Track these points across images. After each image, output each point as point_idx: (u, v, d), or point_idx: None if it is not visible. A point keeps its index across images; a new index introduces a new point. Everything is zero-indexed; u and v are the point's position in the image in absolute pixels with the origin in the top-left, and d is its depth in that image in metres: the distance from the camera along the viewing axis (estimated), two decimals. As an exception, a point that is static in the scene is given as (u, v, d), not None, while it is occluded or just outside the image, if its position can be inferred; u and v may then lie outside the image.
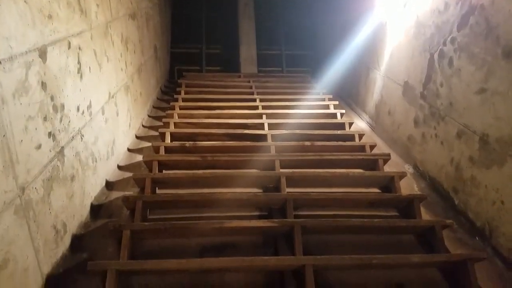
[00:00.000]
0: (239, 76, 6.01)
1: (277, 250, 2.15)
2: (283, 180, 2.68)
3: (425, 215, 2.50)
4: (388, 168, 3.10)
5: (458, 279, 1.95)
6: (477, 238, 2.29)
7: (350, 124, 4.02)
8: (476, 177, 2.36)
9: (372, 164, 3.10)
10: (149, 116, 4.22)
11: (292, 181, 2.73)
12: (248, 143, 3.41)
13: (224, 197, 2.52)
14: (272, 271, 2.00)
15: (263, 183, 2.80)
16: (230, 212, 2.47)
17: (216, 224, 2.17)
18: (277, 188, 2.71)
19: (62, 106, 2.08)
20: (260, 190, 2.75)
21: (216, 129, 3.64)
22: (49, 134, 1.91)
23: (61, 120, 2.06)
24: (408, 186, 2.92)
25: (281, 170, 2.86)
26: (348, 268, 1.99)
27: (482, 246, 2.23)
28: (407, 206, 2.49)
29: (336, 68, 5.35)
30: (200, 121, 3.84)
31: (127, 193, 2.58)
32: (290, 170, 2.85)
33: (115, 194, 2.60)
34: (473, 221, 2.36)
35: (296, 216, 2.35)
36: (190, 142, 3.31)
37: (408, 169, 3.20)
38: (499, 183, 2.16)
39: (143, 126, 3.90)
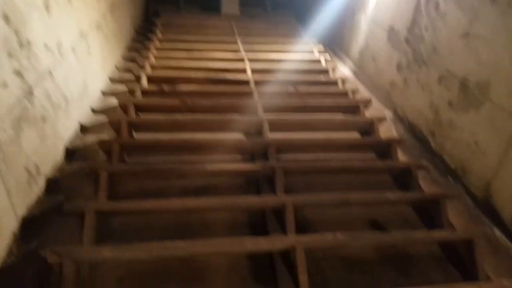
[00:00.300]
0: (220, 17, 5.74)
1: (259, 192, 2.17)
2: (266, 125, 2.65)
3: (403, 158, 2.55)
4: (369, 114, 3.11)
5: (431, 216, 2.03)
6: (450, 179, 2.36)
7: (334, 69, 3.96)
8: (454, 120, 2.39)
9: (354, 109, 3.10)
10: (123, 58, 4.03)
11: (275, 126, 2.71)
12: (229, 88, 3.32)
13: (206, 141, 2.49)
14: (254, 211, 2.03)
15: (246, 128, 2.76)
16: (212, 157, 2.44)
17: (199, 167, 2.16)
18: (259, 133, 2.68)
19: (29, 42, 1.94)
20: (242, 135, 2.72)
21: (196, 73, 3.52)
22: (16, 72, 1.79)
23: (28, 58, 1.93)
24: (388, 131, 2.95)
25: (264, 116, 2.82)
26: (327, 206, 2.04)
27: (454, 186, 2.31)
28: (385, 149, 2.53)
29: (322, 13, 5.16)
30: (178, 64, 3.70)
31: (102, 136, 2.51)
32: (273, 116, 2.82)
33: (90, 138, 2.52)
34: (447, 162, 2.43)
35: (278, 160, 2.36)
36: (168, 85, 3.19)
37: (389, 114, 3.22)
38: (474, 125, 2.20)
39: (117, 68, 3.73)
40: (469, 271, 1.74)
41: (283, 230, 1.82)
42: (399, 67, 3.14)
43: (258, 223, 1.96)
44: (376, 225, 2.03)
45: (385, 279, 1.72)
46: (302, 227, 1.92)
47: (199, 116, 2.81)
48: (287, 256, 1.68)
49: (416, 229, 2.03)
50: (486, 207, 2.08)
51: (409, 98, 2.97)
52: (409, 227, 2.05)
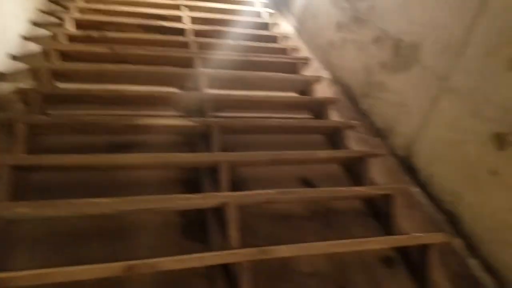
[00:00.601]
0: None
1: (194, 150, 2.12)
2: (203, 79, 2.56)
3: (336, 118, 2.63)
4: (307, 73, 3.12)
5: (356, 173, 2.15)
6: (379, 139, 2.50)
7: (276, 25, 3.88)
8: (384, 81, 2.48)
9: (292, 67, 3.09)
10: (47, -2, 3.61)
11: (212, 81, 2.62)
12: (165, 37, 3.13)
13: (137, 94, 2.35)
14: (188, 169, 2.00)
15: (181, 81, 2.64)
16: (143, 111, 2.33)
17: (129, 121, 2.04)
18: (196, 89, 2.59)
19: None
20: (177, 90, 2.61)
21: (128, 19, 3.26)
22: None
23: None
24: (324, 91, 3.00)
25: (201, 69, 2.71)
26: (261, 163, 2.06)
27: (381, 145, 2.45)
28: (320, 109, 2.58)
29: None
30: (109, 7, 3.39)
31: (21, 85, 2.26)
32: (211, 70, 2.72)
33: (7, 87, 2.27)
34: (376, 123, 2.55)
35: (215, 117, 2.30)
36: (97, 31, 2.93)
37: (326, 74, 3.27)
38: (403, 86, 2.31)
39: (40, 10, 3.33)
40: (388, 225, 1.89)
41: (218, 188, 1.81)
42: (338, 26, 3.16)
43: (192, 182, 1.93)
44: (307, 183, 2.10)
45: (311, 232, 1.82)
46: (237, 185, 1.93)
47: (130, 67, 2.63)
48: (220, 213, 1.69)
49: (343, 186, 2.14)
50: (408, 167, 2.24)
51: (346, 58, 3.02)
52: (337, 184, 2.15)
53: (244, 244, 1.54)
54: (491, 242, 1.72)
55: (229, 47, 3.16)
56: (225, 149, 2.07)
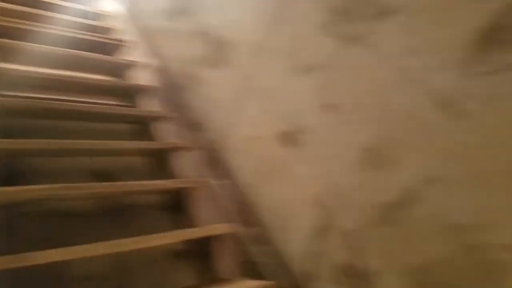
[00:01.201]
0: None
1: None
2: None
3: (155, 108, 2.49)
4: (132, 58, 2.89)
5: (163, 166, 2.08)
6: (194, 132, 2.47)
7: (103, 2, 3.52)
8: (203, 76, 2.46)
9: (111, 49, 2.83)
10: None
11: (8, 54, 2.15)
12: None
13: None
14: None
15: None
16: None
17: None
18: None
19: None
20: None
21: None
22: None
23: None
24: (147, 78, 2.83)
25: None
26: (45, 153, 1.77)
27: (196, 139, 2.42)
28: (133, 97, 2.42)
29: None
30: None
31: None
32: (8, 41, 2.23)
33: None
34: (194, 116, 2.52)
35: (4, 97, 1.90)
36: None
37: (153, 61, 3.09)
38: (219, 81, 2.33)
39: None
40: (186, 219, 1.86)
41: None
42: (167, 14, 3.02)
43: None
44: (104, 176, 1.91)
45: (98, 232, 1.62)
46: (12, 180, 1.60)
47: None
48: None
49: (146, 179, 2.02)
50: (216, 160, 2.27)
51: (171, 48, 2.91)
52: (141, 178, 2.01)
53: (6, 251, 1.27)
54: (278, 230, 1.85)
55: (41, 19, 2.68)
56: (11, 134, 1.70)
